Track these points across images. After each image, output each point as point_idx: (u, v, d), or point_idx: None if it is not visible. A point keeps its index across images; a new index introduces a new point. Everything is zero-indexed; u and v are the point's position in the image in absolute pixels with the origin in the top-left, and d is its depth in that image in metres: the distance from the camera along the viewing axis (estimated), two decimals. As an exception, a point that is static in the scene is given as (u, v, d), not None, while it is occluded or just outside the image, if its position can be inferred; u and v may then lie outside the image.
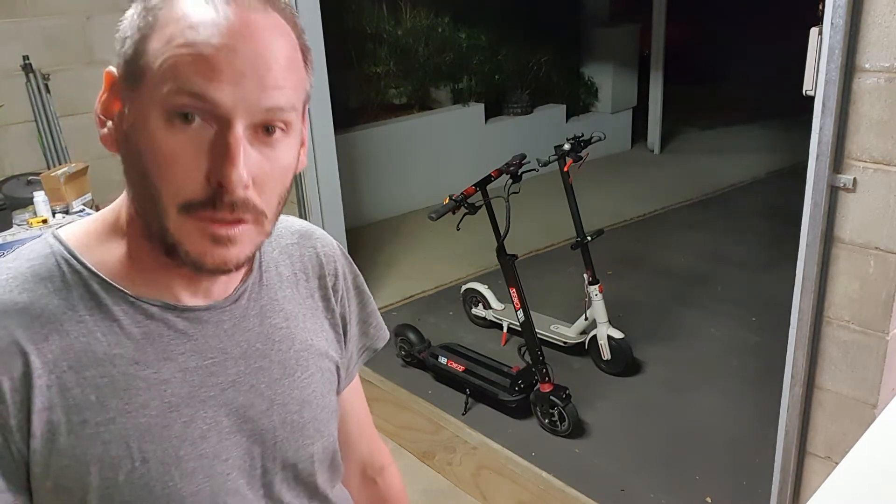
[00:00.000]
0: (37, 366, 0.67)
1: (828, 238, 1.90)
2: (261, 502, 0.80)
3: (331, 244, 0.94)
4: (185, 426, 0.73)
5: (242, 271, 0.80)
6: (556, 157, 3.25)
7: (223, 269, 0.70)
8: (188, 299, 0.75)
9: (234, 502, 0.76)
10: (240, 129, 0.65)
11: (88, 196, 2.74)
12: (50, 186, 2.59)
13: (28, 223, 2.49)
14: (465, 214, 2.92)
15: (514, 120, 6.41)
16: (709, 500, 2.61)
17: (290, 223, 0.91)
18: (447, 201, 2.92)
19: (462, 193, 2.93)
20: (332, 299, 0.90)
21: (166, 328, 0.73)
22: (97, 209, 2.78)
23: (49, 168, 2.93)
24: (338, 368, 0.90)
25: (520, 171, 3.06)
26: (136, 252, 0.73)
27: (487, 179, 3.03)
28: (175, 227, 0.67)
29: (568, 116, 6.80)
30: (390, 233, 5.27)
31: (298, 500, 0.84)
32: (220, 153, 0.65)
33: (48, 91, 3.09)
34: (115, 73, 0.70)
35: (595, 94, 7.09)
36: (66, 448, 0.68)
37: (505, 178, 3.06)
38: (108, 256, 0.73)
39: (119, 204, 0.75)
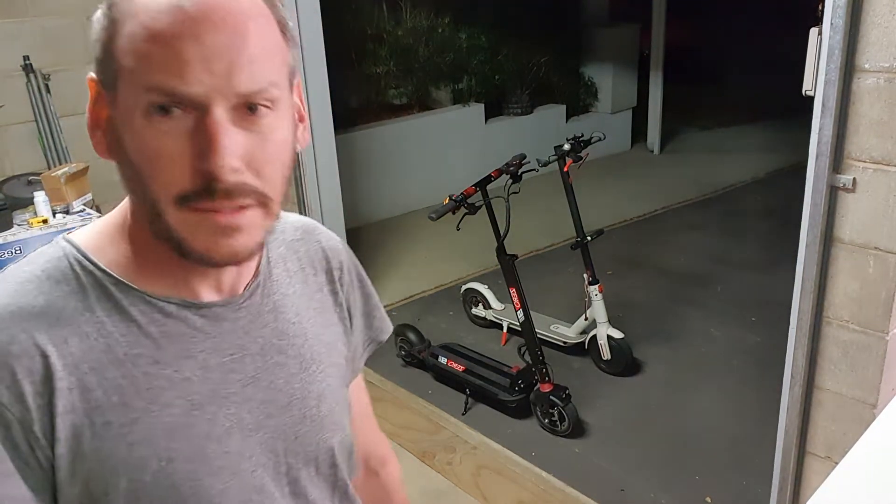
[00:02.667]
0: (58, 368, 0.66)
1: (827, 238, 1.90)
2: (287, 499, 0.79)
3: (334, 238, 0.94)
4: (209, 424, 0.72)
5: (255, 264, 0.80)
6: (555, 157, 3.25)
7: (233, 261, 0.69)
8: (204, 294, 0.75)
9: (260, 499, 0.76)
10: (219, 114, 0.63)
11: (89, 196, 2.74)
12: (50, 186, 2.59)
13: (28, 223, 2.49)
14: (465, 214, 2.92)
15: (514, 120, 6.41)
16: (709, 500, 2.61)
17: (291, 219, 0.91)
18: (447, 201, 2.92)
19: (462, 193, 2.93)
20: (340, 293, 0.91)
21: (185, 326, 0.73)
22: (97, 209, 2.77)
23: (49, 168, 2.93)
24: (345, 362, 0.91)
25: (520, 171, 3.06)
26: (146, 251, 0.72)
27: (487, 179, 3.03)
28: (176, 222, 0.66)
29: (568, 116, 6.79)
30: (390, 233, 5.27)
31: (321, 495, 0.84)
32: (203, 141, 0.63)
33: (48, 91, 3.09)
34: (94, 76, 0.69)
35: (595, 94, 7.09)
36: (92, 451, 0.67)
37: (505, 178, 3.06)
38: (120, 257, 0.72)
39: (124, 205, 0.75)
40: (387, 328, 1.01)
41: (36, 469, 0.66)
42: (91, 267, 0.71)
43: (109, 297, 0.70)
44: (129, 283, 0.71)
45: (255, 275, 0.80)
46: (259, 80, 0.65)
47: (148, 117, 0.63)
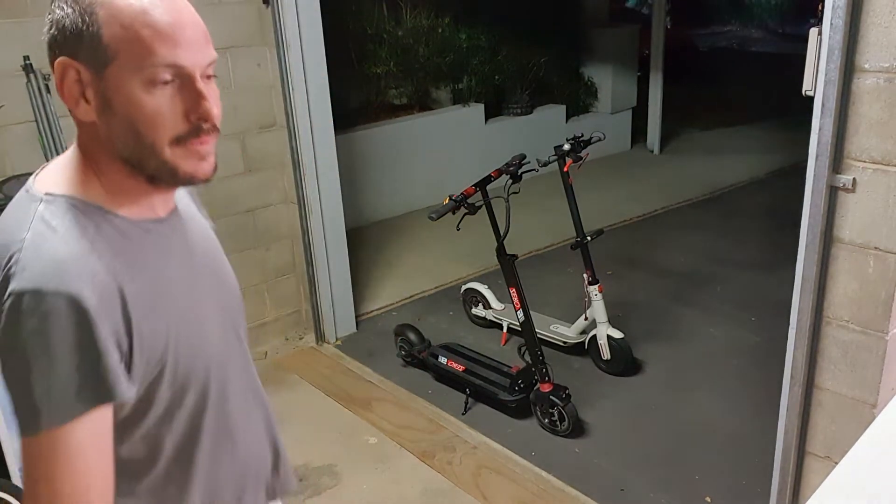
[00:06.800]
0: (121, 284, 0.89)
1: (827, 238, 1.90)
2: (236, 344, 1.13)
3: None
4: (198, 303, 1.03)
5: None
6: (555, 157, 3.26)
7: (207, 179, 0.96)
8: (160, 212, 1.00)
9: (228, 349, 1.10)
10: (200, 80, 0.91)
11: (89, 196, 2.74)
12: (50, 186, 2.59)
13: (28, 223, 2.50)
14: (465, 214, 2.92)
15: (514, 120, 6.41)
16: (708, 499, 2.61)
17: None
18: (447, 201, 2.92)
19: (462, 193, 2.93)
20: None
21: (160, 237, 0.99)
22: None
23: (49, 168, 2.92)
24: None
25: (520, 171, 3.06)
26: (117, 186, 0.95)
27: (487, 179, 3.03)
28: (171, 157, 0.92)
29: (568, 116, 6.79)
30: (390, 233, 5.27)
31: (245, 343, 1.18)
32: (191, 98, 0.90)
33: (48, 91, 3.08)
34: (72, 61, 0.88)
35: (595, 94, 7.09)
36: (147, 331, 0.92)
37: (505, 178, 3.06)
38: (96, 195, 0.94)
39: (74, 155, 0.96)
40: None
41: (126, 361, 0.90)
42: (92, 207, 0.92)
43: (111, 224, 0.93)
44: (116, 213, 0.94)
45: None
46: (213, 56, 0.94)
47: (147, 88, 0.88)
